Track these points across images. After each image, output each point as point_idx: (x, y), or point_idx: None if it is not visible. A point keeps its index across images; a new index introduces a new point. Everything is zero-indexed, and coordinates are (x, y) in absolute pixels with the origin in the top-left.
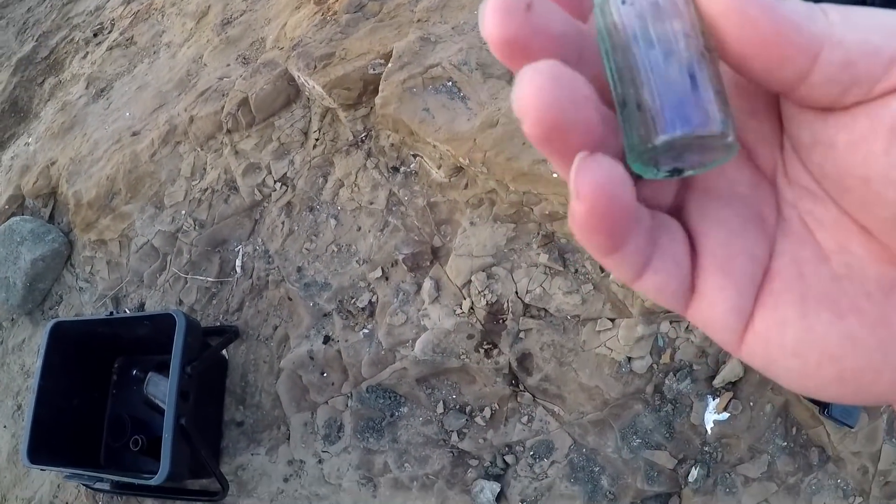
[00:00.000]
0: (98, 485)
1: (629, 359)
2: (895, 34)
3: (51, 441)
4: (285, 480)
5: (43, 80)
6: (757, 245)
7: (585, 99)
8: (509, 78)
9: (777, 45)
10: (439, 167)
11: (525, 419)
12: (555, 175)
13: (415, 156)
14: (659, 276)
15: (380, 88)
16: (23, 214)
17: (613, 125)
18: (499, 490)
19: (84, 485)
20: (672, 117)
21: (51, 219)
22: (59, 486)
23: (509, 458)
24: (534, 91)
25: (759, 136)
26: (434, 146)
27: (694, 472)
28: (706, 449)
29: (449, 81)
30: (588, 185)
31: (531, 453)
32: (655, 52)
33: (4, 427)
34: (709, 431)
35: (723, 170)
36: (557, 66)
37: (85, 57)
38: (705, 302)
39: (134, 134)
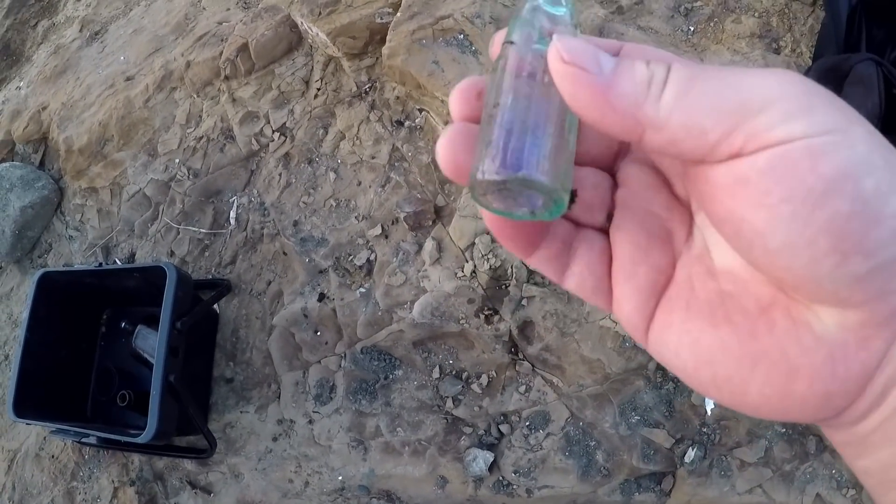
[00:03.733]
0: (85, 440)
1: None
2: (728, 116)
3: (37, 394)
4: (274, 440)
5: (36, 23)
6: (661, 258)
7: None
8: None
9: (604, 124)
10: (446, 123)
11: (523, 389)
12: None
13: (421, 110)
14: (575, 279)
15: (387, 38)
16: (13, 160)
17: None
18: (492, 460)
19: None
20: (508, 160)
21: (41, 165)
22: (45, 437)
23: (504, 428)
24: (442, 149)
25: (674, 171)
26: (442, 101)
27: (690, 453)
28: (704, 430)
29: (460, 34)
30: (489, 218)
31: (527, 424)
32: (523, 99)
33: None
34: (709, 413)
35: (642, 192)
36: (460, 127)
37: None
38: (617, 303)
39: (128, 79)
